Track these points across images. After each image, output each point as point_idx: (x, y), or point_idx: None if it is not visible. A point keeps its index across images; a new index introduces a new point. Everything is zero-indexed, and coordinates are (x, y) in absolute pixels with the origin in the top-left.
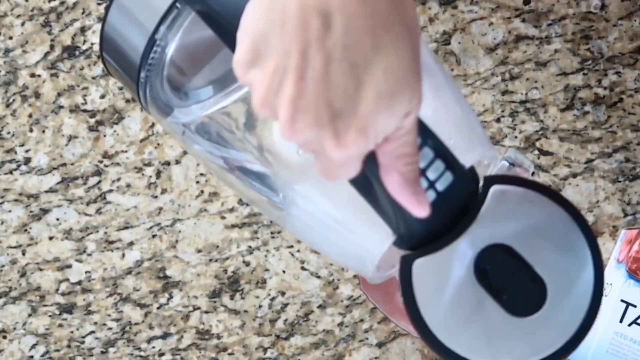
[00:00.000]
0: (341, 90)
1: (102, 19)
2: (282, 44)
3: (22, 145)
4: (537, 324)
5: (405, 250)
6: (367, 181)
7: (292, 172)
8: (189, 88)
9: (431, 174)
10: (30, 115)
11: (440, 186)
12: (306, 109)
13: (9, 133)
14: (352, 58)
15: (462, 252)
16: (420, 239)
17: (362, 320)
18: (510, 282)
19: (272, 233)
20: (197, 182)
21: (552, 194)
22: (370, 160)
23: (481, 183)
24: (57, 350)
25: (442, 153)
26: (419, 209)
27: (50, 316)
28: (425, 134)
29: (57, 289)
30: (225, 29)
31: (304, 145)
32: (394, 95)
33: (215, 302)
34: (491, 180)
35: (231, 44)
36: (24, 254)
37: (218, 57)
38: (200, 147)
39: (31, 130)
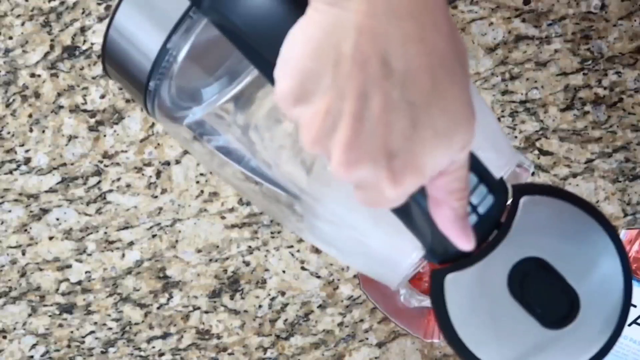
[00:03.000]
0: (398, 130)
1: (107, 24)
2: (336, 85)
3: (22, 145)
4: (570, 335)
5: (436, 264)
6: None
7: (318, 185)
8: (199, 88)
9: (474, 199)
10: (30, 115)
11: (481, 209)
12: (362, 150)
13: (9, 133)
14: (410, 98)
15: (495, 266)
16: (453, 254)
17: (362, 320)
18: (543, 295)
19: (272, 233)
20: (197, 182)
21: (580, 202)
22: None
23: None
24: (57, 350)
25: (485, 176)
26: (466, 244)
27: (50, 316)
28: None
29: (57, 289)
30: (246, 43)
31: (355, 182)
32: (451, 132)
33: (215, 302)
34: (520, 190)
35: (253, 57)
36: (24, 254)
37: (227, 54)
38: (214, 150)
39: (31, 130)
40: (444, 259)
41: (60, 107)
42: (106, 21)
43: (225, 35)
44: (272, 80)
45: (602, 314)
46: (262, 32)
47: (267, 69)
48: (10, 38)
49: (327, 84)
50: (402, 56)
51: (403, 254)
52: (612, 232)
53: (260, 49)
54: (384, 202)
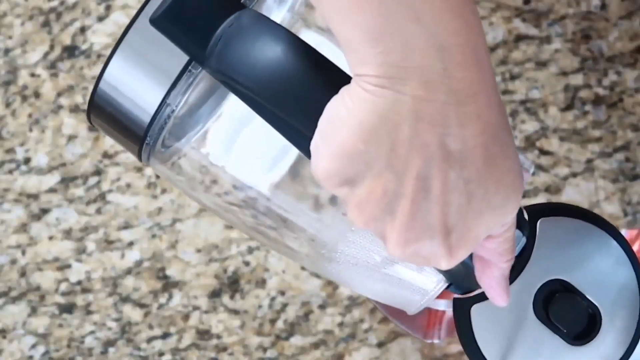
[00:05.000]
0: (455, 207)
1: (97, 77)
2: (392, 168)
3: (22, 145)
4: (594, 348)
5: (460, 294)
6: None
7: (337, 227)
8: (184, 126)
9: None
10: (30, 115)
11: (516, 252)
12: (419, 230)
13: (8, 133)
14: (466, 176)
15: (520, 292)
16: (478, 287)
17: (362, 320)
18: (567, 313)
19: None
20: None
21: (594, 218)
22: None
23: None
24: (57, 350)
25: (519, 222)
26: (504, 302)
27: (50, 316)
28: None
29: (57, 289)
30: (262, 106)
31: (407, 258)
32: (505, 203)
33: (215, 302)
34: (536, 212)
35: (270, 119)
36: (23, 254)
37: (211, 89)
38: (221, 187)
39: (31, 130)
40: (468, 291)
41: (60, 107)
42: (106, 21)
43: (235, 94)
44: (300, 147)
45: (622, 325)
46: (284, 100)
47: (290, 132)
48: (10, 38)
49: (381, 166)
50: (460, 137)
51: (426, 287)
52: (624, 243)
53: (282, 115)
54: (432, 266)
